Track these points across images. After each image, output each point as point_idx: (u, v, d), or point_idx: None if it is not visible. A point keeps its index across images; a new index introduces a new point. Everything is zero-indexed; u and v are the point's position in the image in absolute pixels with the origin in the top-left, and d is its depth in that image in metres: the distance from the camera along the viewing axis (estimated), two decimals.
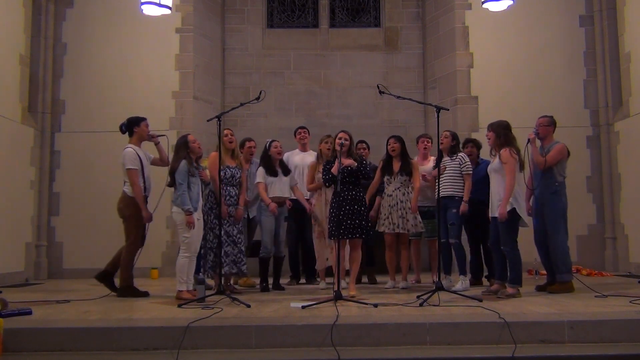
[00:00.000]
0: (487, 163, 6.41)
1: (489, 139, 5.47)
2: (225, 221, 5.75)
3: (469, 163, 6.01)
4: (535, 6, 8.61)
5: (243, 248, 5.88)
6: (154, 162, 6.02)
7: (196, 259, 5.62)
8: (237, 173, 5.95)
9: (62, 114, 8.55)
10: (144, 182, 5.77)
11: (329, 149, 6.00)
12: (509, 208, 5.17)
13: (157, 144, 6.01)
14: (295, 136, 7.12)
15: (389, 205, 6.09)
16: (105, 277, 5.88)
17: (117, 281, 5.90)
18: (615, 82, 8.33)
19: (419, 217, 6.10)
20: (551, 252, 5.61)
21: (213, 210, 5.82)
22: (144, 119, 5.96)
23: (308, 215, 6.58)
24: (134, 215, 5.69)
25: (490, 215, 5.47)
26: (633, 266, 7.83)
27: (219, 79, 9.47)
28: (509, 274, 5.32)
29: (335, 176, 5.30)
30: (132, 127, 5.88)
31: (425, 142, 6.64)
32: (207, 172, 5.88)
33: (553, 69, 8.58)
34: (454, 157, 6.03)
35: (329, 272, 6.15)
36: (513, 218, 5.20)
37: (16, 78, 7.95)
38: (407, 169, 6.11)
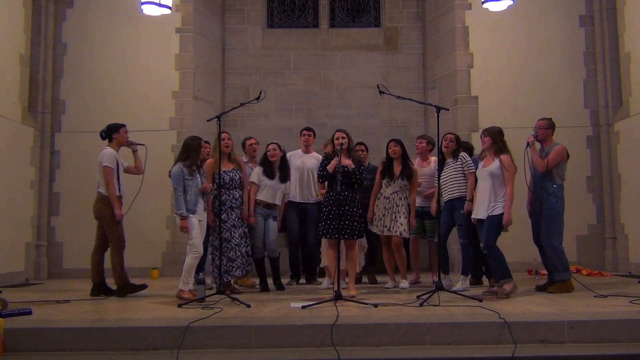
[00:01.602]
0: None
1: (484, 143, 5.52)
2: (225, 226, 5.76)
3: (471, 162, 6.01)
4: (535, 6, 8.61)
5: (244, 250, 5.87)
6: (128, 170, 6.04)
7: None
8: (235, 175, 5.95)
9: (62, 114, 8.56)
10: (118, 184, 5.78)
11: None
12: (499, 212, 5.25)
13: (135, 151, 6.04)
14: (300, 136, 7.08)
15: (384, 207, 6.10)
16: (98, 289, 5.86)
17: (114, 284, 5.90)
18: (615, 82, 8.33)
19: (411, 222, 6.12)
20: (546, 253, 5.64)
21: (216, 215, 5.81)
22: (123, 126, 5.98)
23: (310, 217, 6.61)
24: (112, 215, 5.70)
25: (474, 217, 5.53)
26: (633, 266, 7.82)
27: (219, 79, 9.47)
28: (497, 272, 5.36)
29: (329, 173, 5.34)
30: (112, 133, 5.92)
31: (418, 143, 6.65)
32: (209, 184, 5.87)
33: (553, 69, 8.57)
34: (456, 160, 6.02)
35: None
36: (500, 221, 5.27)
37: (16, 78, 7.95)
38: (408, 173, 6.12)
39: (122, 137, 5.93)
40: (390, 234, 6.05)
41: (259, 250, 6.20)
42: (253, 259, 6.20)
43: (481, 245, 5.34)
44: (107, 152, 5.78)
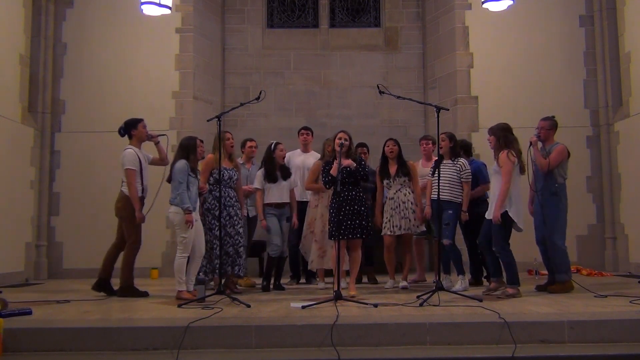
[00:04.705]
0: (478, 164, 6.44)
1: (490, 142, 5.51)
2: (226, 222, 5.75)
3: (469, 170, 5.98)
4: (535, 6, 8.61)
5: (240, 249, 5.86)
6: (153, 162, 6.01)
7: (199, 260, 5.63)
8: (234, 175, 5.96)
9: (62, 114, 8.56)
10: (142, 184, 5.77)
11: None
12: (501, 211, 5.23)
13: (157, 143, 6.01)
14: (298, 136, 7.08)
15: (391, 208, 6.13)
16: (101, 285, 5.85)
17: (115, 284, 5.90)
18: (615, 82, 8.33)
19: (426, 212, 6.12)
20: (549, 253, 5.64)
21: (211, 212, 5.82)
22: (140, 120, 5.94)
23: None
24: (132, 216, 5.69)
25: (487, 216, 5.50)
26: (633, 266, 7.82)
27: (219, 79, 9.47)
28: (505, 275, 5.35)
29: (334, 177, 5.32)
30: (130, 129, 5.88)
31: (425, 144, 6.67)
32: (205, 185, 5.88)
33: (553, 69, 8.57)
34: (455, 162, 5.99)
35: (328, 272, 6.15)
36: (505, 220, 5.24)
37: (16, 78, 7.95)
38: (405, 170, 6.14)
39: (141, 133, 5.88)
40: (401, 232, 6.07)
41: (278, 248, 6.19)
42: (270, 257, 6.21)
43: (493, 248, 5.33)
44: (128, 154, 5.72)
